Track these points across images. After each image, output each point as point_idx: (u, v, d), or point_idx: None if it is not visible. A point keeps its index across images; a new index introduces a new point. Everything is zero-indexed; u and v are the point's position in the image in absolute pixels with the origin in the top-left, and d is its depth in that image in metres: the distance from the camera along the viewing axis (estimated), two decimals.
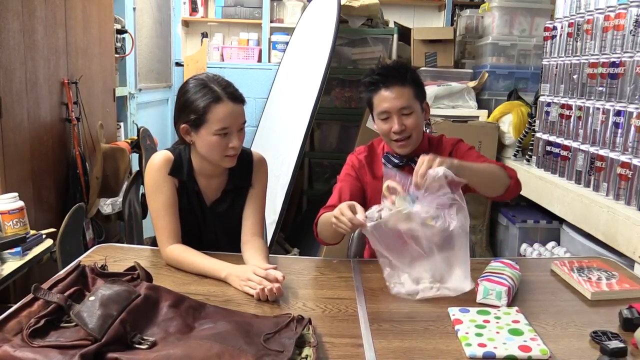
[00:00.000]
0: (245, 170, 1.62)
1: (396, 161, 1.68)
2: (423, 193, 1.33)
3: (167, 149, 1.59)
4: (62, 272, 1.18)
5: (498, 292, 1.28)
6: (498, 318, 1.21)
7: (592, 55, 2.28)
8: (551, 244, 2.67)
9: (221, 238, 1.65)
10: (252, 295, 1.30)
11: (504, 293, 1.28)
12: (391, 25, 4.19)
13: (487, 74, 3.49)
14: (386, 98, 1.60)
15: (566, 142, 2.46)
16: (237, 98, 1.49)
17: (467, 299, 1.33)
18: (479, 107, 3.50)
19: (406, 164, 1.69)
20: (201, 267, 1.44)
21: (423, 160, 1.36)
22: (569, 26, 2.50)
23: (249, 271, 1.34)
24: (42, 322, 0.99)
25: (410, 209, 1.33)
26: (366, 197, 1.73)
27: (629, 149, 1.99)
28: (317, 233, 1.66)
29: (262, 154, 1.69)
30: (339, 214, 1.38)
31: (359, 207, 1.37)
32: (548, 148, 2.63)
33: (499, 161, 3.18)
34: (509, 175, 1.59)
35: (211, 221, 1.62)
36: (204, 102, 1.45)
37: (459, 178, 1.34)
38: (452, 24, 4.35)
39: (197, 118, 1.46)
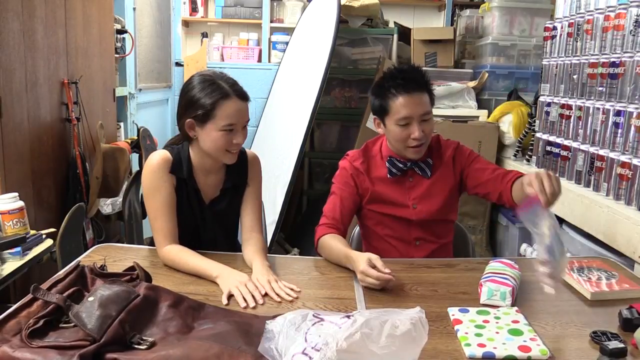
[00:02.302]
0: (241, 169, 1.63)
1: (400, 165, 1.69)
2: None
3: (164, 148, 1.59)
4: (61, 273, 1.18)
5: (502, 292, 1.28)
6: (498, 318, 1.21)
7: (592, 55, 2.28)
8: None
9: (219, 237, 1.66)
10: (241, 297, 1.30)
11: (508, 293, 1.28)
12: (391, 25, 4.19)
13: (487, 74, 3.49)
14: (408, 104, 1.59)
15: (566, 142, 2.46)
16: (243, 96, 1.51)
17: (467, 299, 1.33)
18: (479, 107, 3.50)
19: (409, 168, 1.70)
20: (193, 267, 1.44)
21: (541, 177, 1.34)
22: (569, 26, 2.50)
23: (249, 278, 1.36)
24: (41, 322, 0.99)
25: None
26: (363, 202, 1.73)
27: (629, 149, 1.99)
28: (316, 247, 1.65)
29: (258, 154, 1.70)
30: (363, 277, 1.36)
31: (378, 262, 1.36)
32: (548, 148, 2.63)
33: (499, 161, 3.21)
34: None
35: (210, 220, 1.63)
36: (213, 98, 1.46)
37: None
38: (452, 24, 4.35)
39: (205, 113, 1.47)
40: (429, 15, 4.60)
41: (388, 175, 1.70)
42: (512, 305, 1.28)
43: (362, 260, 1.37)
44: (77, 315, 0.99)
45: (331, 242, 1.58)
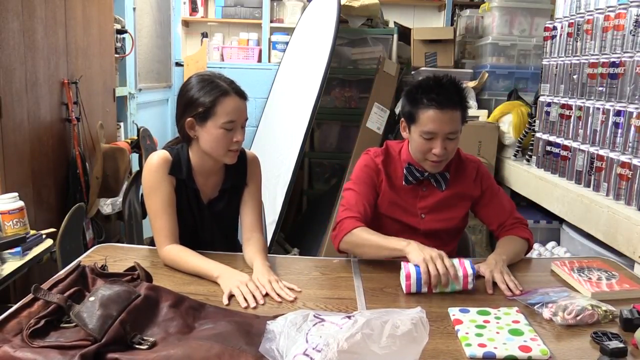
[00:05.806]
0: (240, 169, 1.63)
1: (418, 175, 1.67)
2: None
3: (164, 149, 1.59)
4: (62, 273, 1.18)
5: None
6: (498, 318, 1.21)
7: (592, 55, 2.28)
8: (551, 244, 2.67)
9: (217, 237, 1.66)
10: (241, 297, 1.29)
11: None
12: (391, 25, 4.19)
13: (487, 74, 3.49)
14: (437, 119, 1.55)
15: (566, 142, 2.46)
16: (242, 94, 1.53)
17: (468, 299, 1.33)
18: (479, 107, 3.50)
19: (426, 179, 1.68)
20: (194, 267, 1.44)
21: (492, 273, 1.43)
22: (569, 26, 2.50)
23: (250, 278, 1.35)
24: (42, 322, 0.99)
25: None
26: (376, 202, 1.72)
27: (629, 149, 1.99)
28: (340, 243, 1.57)
29: (258, 154, 1.70)
30: (433, 268, 1.35)
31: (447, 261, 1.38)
32: (548, 148, 2.63)
33: (499, 161, 3.21)
34: (529, 244, 1.69)
35: (208, 220, 1.63)
36: (212, 95, 1.47)
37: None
38: (452, 24, 4.35)
39: (205, 111, 1.48)
40: (429, 15, 4.61)
41: (403, 182, 1.69)
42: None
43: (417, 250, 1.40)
44: (79, 315, 0.99)
45: (366, 235, 1.53)
